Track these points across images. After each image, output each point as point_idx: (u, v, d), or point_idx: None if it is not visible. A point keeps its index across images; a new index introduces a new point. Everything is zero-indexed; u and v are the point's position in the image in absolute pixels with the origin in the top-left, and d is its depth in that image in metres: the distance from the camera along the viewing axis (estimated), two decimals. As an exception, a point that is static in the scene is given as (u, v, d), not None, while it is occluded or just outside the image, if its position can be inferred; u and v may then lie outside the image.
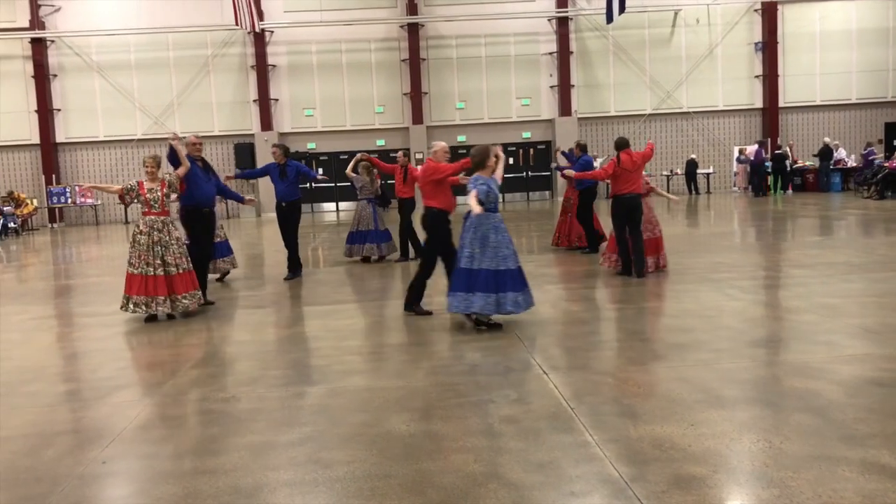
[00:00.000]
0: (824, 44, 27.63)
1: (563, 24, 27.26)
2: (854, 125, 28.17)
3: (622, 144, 9.66)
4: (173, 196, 8.26)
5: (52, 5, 26.70)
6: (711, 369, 5.26)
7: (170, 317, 8.04)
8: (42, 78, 26.59)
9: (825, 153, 24.39)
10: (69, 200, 26.74)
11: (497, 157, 6.93)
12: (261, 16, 26.26)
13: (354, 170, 12.07)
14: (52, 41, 26.87)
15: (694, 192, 26.66)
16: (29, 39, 26.47)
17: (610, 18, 24.56)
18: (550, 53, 27.54)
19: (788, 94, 27.78)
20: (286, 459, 3.99)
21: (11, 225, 23.65)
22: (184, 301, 8.01)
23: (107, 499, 3.76)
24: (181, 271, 8.01)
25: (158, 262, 7.86)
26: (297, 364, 6.06)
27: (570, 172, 11.32)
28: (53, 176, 26.96)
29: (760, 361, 5.52)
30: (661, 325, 6.96)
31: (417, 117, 27.21)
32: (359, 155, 12.35)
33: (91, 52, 26.90)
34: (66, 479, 3.88)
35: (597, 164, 22.95)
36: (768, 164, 24.73)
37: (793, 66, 27.66)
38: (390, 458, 3.93)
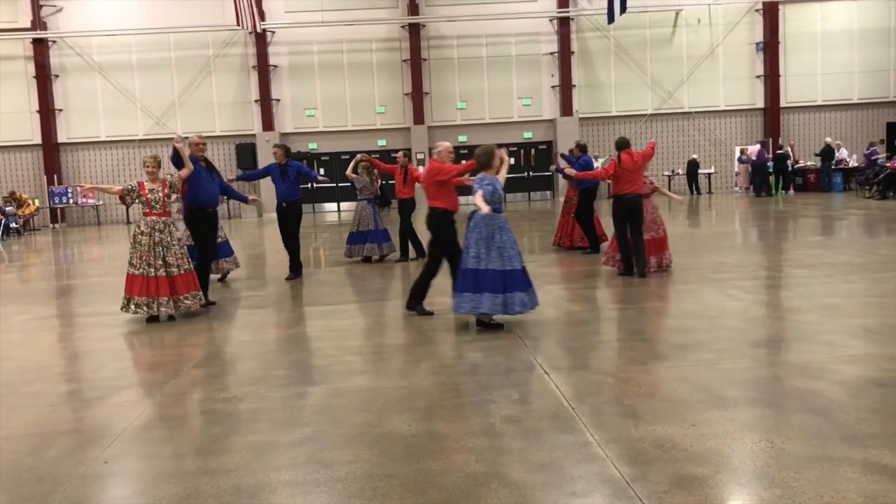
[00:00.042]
0: (826, 44, 27.60)
1: (564, 24, 27.25)
2: (855, 125, 28.14)
3: (623, 144, 9.66)
4: (174, 197, 8.26)
5: (54, 6, 26.71)
6: (713, 369, 5.26)
7: (170, 317, 8.04)
8: (44, 78, 26.61)
9: (827, 153, 24.37)
10: (71, 201, 26.76)
11: (502, 160, 6.94)
12: (262, 16, 26.27)
13: (354, 170, 12.10)
14: (54, 41, 26.89)
15: (695, 192, 26.65)
16: (30, 40, 26.49)
17: (611, 18, 24.55)
18: (552, 53, 27.53)
19: (790, 94, 27.75)
20: (288, 459, 4.00)
21: (13, 225, 23.67)
22: (186, 301, 8.01)
23: (108, 499, 3.76)
24: (183, 272, 8.01)
25: (160, 262, 7.85)
26: (299, 364, 6.06)
27: (571, 171, 11.32)
28: (55, 176, 26.98)
29: (762, 361, 5.52)
30: (663, 326, 6.96)
31: (419, 117, 27.21)
32: (358, 156, 12.38)
33: (93, 53, 26.92)
34: (67, 478, 3.88)
35: (598, 164, 23.02)
36: (770, 164, 24.70)
37: (794, 66, 27.64)
38: (392, 458, 3.93)
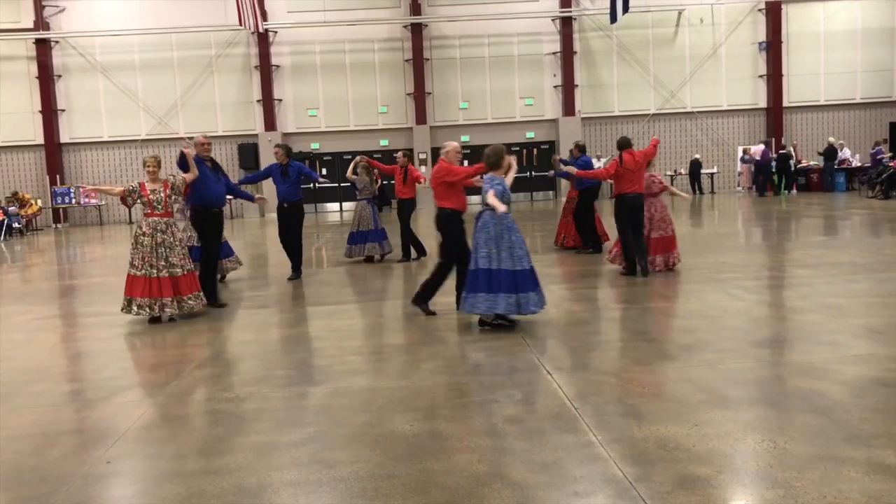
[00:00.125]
0: (828, 43, 27.56)
1: (566, 23, 27.23)
2: (858, 125, 28.10)
3: (624, 144, 9.65)
4: (174, 198, 8.25)
5: (57, 6, 26.75)
6: (716, 369, 5.25)
7: (170, 318, 8.03)
8: (46, 78, 26.66)
9: (830, 153, 24.33)
10: (73, 201, 26.79)
11: (510, 165, 6.94)
12: (264, 16, 26.29)
13: (354, 172, 12.17)
14: (57, 42, 26.93)
15: (698, 191, 26.62)
16: (33, 40, 26.53)
17: (614, 18, 24.56)
18: (554, 53, 27.52)
19: (792, 94, 27.71)
20: (290, 459, 4.00)
21: (16, 225, 23.70)
22: (189, 302, 8.01)
23: (111, 498, 3.76)
24: (186, 272, 8.01)
25: (162, 263, 7.84)
26: (301, 364, 6.06)
27: (572, 169, 11.29)
28: (58, 176, 27.02)
29: (765, 362, 5.51)
30: (666, 326, 6.95)
31: (421, 117, 27.21)
32: (357, 158, 12.45)
33: (95, 53, 26.95)
34: (70, 478, 3.88)
35: (600, 164, 23.01)
36: (773, 164, 24.67)
37: (797, 66, 27.60)
38: (394, 458, 3.93)
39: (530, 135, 27.82)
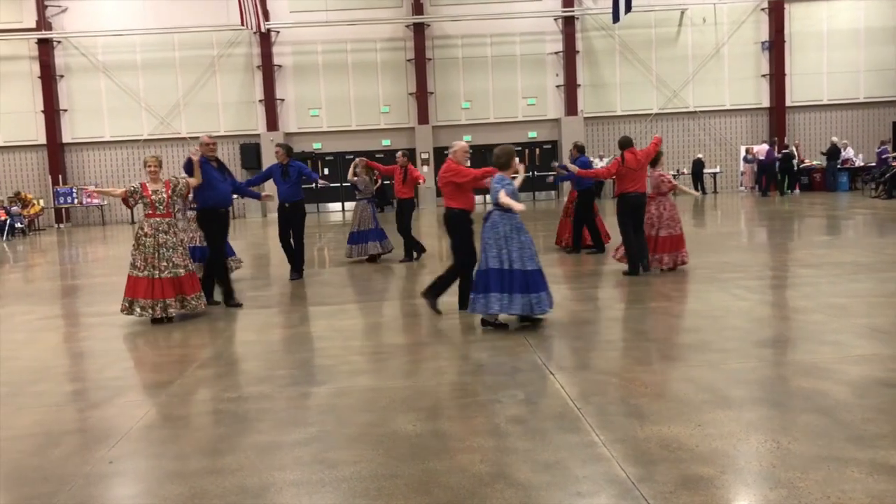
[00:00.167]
0: (831, 42, 27.53)
1: (569, 23, 27.23)
2: (861, 124, 28.07)
3: (626, 143, 9.66)
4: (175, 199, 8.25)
5: (59, 6, 26.79)
6: (718, 369, 5.24)
7: (169, 319, 8.01)
8: (48, 78, 26.69)
9: (833, 152, 24.29)
10: (75, 201, 26.83)
11: (517, 171, 6.94)
12: (266, 16, 26.31)
13: (354, 174, 12.24)
14: (59, 42, 26.96)
15: (700, 191, 26.59)
16: (35, 40, 26.57)
17: (616, 18, 24.54)
18: (556, 53, 27.51)
19: (795, 94, 27.68)
20: (292, 459, 3.99)
21: (18, 225, 23.73)
22: (192, 302, 8.01)
23: (113, 498, 3.76)
24: (188, 272, 8.01)
25: (164, 264, 7.83)
26: (303, 364, 6.06)
27: (574, 168, 11.27)
28: (60, 176, 27.06)
29: (768, 362, 5.50)
30: (668, 326, 6.94)
31: (423, 117, 27.21)
32: (357, 160, 12.51)
33: (97, 53, 26.98)
34: (72, 478, 3.88)
35: (602, 163, 22.99)
36: (777, 163, 24.63)
37: (800, 65, 27.57)
38: (397, 458, 3.93)
39: (533, 134, 27.82)
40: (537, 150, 27.85)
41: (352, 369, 5.79)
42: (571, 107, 27.38)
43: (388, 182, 13.40)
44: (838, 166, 24.43)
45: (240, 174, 25.34)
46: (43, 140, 26.99)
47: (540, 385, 5.11)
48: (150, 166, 7.97)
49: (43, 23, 26.57)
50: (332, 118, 27.55)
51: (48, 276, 13.20)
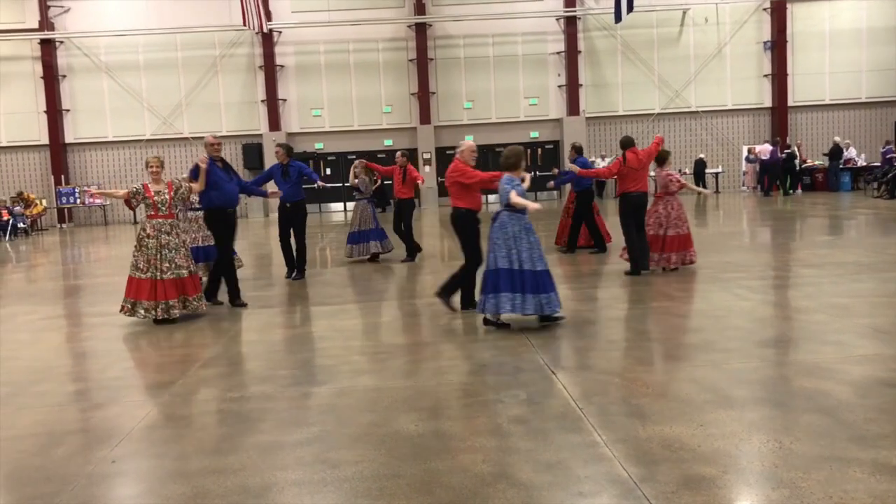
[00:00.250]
0: (834, 42, 27.49)
1: (571, 23, 27.21)
2: (863, 124, 28.03)
3: (627, 143, 9.65)
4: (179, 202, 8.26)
5: (61, 6, 26.82)
6: (720, 369, 5.24)
7: (168, 319, 8.01)
8: (51, 79, 26.72)
9: (835, 152, 24.25)
10: (78, 201, 26.86)
11: (523, 179, 6.95)
12: (269, 16, 26.32)
13: (355, 175, 12.28)
14: (61, 42, 26.99)
15: (703, 188, 26.58)
16: (38, 40, 26.60)
17: (618, 18, 24.52)
18: (558, 53, 27.49)
19: (797, 93, 27.65)
20: (294, 459, 4.00)
21: (21, 225, 23.75)
22: (194, 303, 8.02)
23: (116, 498, 3.77)
24: (191, 273, 8.02)
25: (167, 265, 7.83)
26: (305, 364, 6.07)
27: (574, 168, 11.27)
28: (62, 176, 27.08)
29: (770, 362, 5.49)
30: (670, 325, 6.93)
31: (425, 117, 27.21)
32: (356, 162, 12.55)
33: (100, 53, 27.00)
34: (75, 478, 3.89)
35: (604, 163, 22.96)
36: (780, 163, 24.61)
37: (802, 65, 27.53)
38: (398, 458, 3.93)
39: (534, 134, 27.81)
40: (539, 151, 27.83)
41: (353, 369, 5.79)
42: (573, 107, 27.37)
43: (388, 182, 13.41)
44: (840, 166, 24.39)
45: (242, 175, 25.27)
46: (45, 140, 27.02)
47: (542, 385, 5.11)
48: (151, 167, 7.94)
49: (46, 23, 26.60)
50: (334, 118, 27.55)
51: (51, 277, 13.22)
